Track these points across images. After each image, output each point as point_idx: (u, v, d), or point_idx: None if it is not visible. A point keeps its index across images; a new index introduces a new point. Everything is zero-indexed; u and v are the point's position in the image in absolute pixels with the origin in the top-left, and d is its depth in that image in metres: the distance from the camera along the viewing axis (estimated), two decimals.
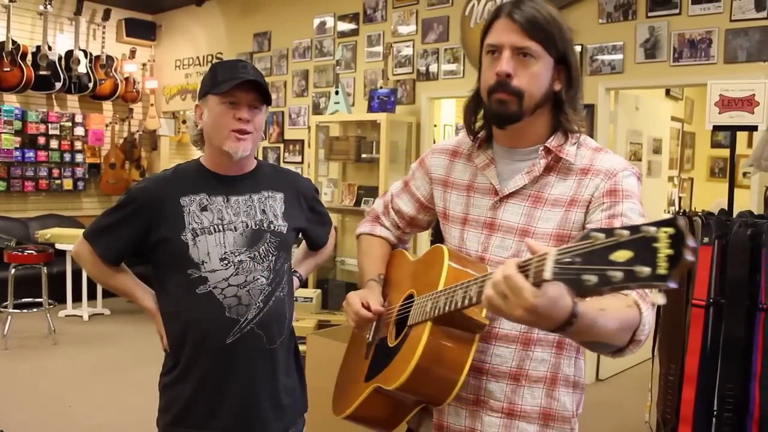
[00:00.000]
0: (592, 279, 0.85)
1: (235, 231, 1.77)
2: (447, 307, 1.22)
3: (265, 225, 1.81)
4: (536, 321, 0.99)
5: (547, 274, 0.91)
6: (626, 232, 0.83)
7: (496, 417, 1.34)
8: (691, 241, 0.79)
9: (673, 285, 0.79)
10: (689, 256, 0.79)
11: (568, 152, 1.34)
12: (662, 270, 0.79)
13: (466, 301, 1.17)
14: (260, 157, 7.70)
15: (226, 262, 1.74)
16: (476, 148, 1.44)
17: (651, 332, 1.18)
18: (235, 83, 1.70)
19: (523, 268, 0.98)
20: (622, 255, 0.82)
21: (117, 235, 1.79)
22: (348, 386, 1.56)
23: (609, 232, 0.86)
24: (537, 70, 1.29)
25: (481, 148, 1.43)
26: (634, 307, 1.16)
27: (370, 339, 1.54)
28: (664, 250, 0.79)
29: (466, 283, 1.19)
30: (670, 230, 0.80)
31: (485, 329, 1.28)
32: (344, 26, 6.20)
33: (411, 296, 1.42)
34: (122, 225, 1.78)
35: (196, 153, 5.78)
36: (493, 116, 1.35)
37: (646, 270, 0.80)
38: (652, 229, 0.81)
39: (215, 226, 1.76)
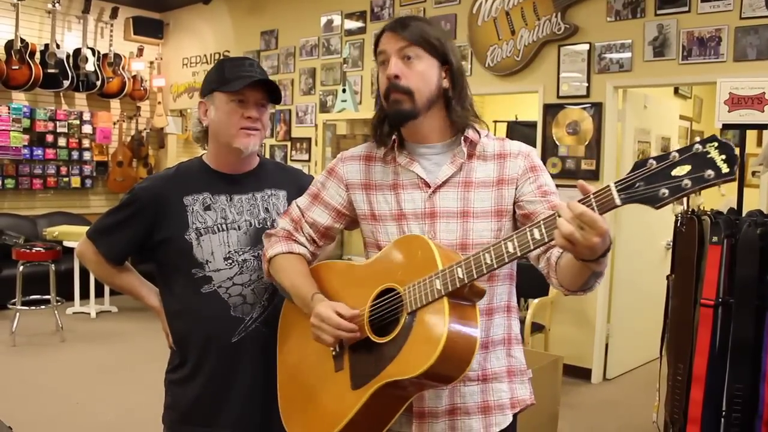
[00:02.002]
0: (666, 191, 1.06)
1: (239, 230, 1.77)
2: (477, 273, 1.27)
3: (268, 224, 1.80)
4: (602, 246, 1.15)
5: (618, 201, 1.10)
6: (677, 154, 1.06)
7: (474, 385, 1.48)
8: (732, 147, 1.03)
9: (734, 177, 1.03)
10: (737, 157, 1.03)
11: (483, 142, 1.52)
12: (726, 169, 1.03)
13: (519, 249, 1.22)
14: (267, 155, 7.65)
15: (230, 261, 1.74)
16: (393, 150, 1.54)
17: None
18: (247, 83, 1.70)
19: (585, 204, 1.14)
20: (681, 170, 1.05)
21: (120, 234, 1.79)
22: (320, 407, 1.50)
23: (659, 158, 1.08)
24: (422, 69, 1.45)
25: (399, 149, 1.53)
26: None
27: (336, 350, 1.48)
28: (718, 156, 1.03)
29: (497, 244, 1.25)
30: (715, 143, 1.04)
31: (484, 295, 1.37)
32: (351, 24, 6.20)
33: (387, 291, 1.41)
34: (125, 224, 1.78)
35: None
36: (391, 116, 1.48)
37: (712, 173, 1.03)
38: (700, 147, 1.05)
39: (219, 226, 1.75)
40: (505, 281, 1.52)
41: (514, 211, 1.49)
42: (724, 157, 1.03)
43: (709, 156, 1.04)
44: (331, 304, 1.46)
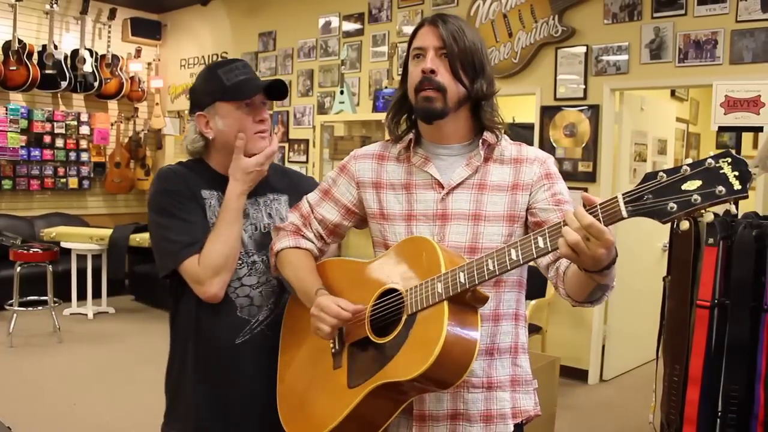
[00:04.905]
0: (674, 206, 1.05)
1: (246, 233, 1.76)
2: (479, 278, 1.26)
3: (272, 229, 1.80)
4: (605, 257, 1.16)
5: (624, 213, 1.10)
6: (688, 168, 1.05)
7: (477, 392, 1.46)
8: (746, 163, 1.01)
9: (746, 195, 1.01)
10: (753, 173, 1.01)
11: (501, 145, 1.51)
12: (738, 186, 1.01)
13: (522, 257, 1.22)
14: None
15: (240, 261, 1.73)
16: (407, 149, 1.53)
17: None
18: (259, 88, 1.70)
19: (592, 214, 1.14)
20: (691, 184, 1.04)
21: (195, 225, 1.70)
22: (316, 404, 1.51)
23: (670, 171, 1.06)
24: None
25: (413, 148, 1.53)
26: None
27: (336, 347, 1.49)
28: (730, 172, 1.01)
29: (500, 250, 1.25)
30: (729, 159, 1.02)
31: (487, 301, 1.36)
32: (349, 26, 6.21)
33: (390, 291, 1.41)
34: (188, 217, 1.70)
35: None
36: (421, 112, 1.47)
37: (723, 189, 1.01)
38: (713, 162, 1.03)
39: None
40: (514, 288, 1.50)
41: (527, 218, 1.48)
42: (737, 173, 1.01)
43: (721, 171, 1.02)
44: (334, 297, 1.47)
